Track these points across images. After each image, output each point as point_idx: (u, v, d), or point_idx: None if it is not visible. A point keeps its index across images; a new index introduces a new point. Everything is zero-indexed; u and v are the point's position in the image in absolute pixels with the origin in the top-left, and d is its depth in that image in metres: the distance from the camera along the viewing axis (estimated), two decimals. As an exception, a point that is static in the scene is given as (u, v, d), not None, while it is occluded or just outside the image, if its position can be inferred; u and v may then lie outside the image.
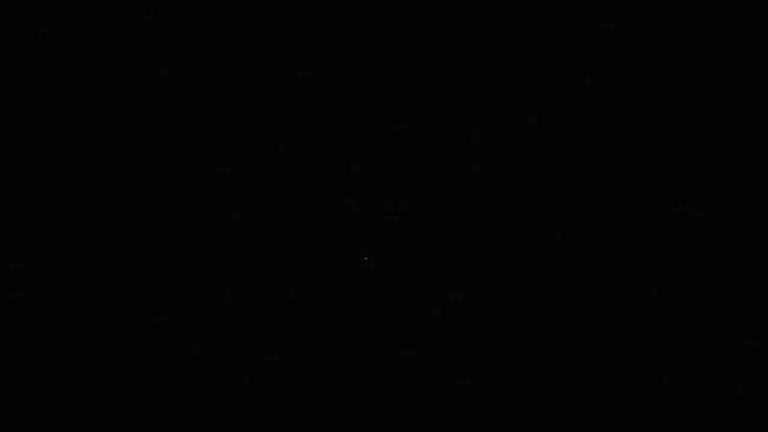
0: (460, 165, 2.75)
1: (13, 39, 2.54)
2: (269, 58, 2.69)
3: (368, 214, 2.76)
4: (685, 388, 2.41)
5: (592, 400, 2.41)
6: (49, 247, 2.55)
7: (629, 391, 2.43)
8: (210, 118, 2.68)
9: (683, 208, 2.60)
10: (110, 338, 2.52)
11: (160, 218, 2.63)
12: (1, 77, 2.55)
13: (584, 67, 2.66)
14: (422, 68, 2.71)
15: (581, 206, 2.67)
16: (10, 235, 2.52)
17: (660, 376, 2.45)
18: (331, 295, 2.68)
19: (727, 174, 2.58)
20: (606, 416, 2.35)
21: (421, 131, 2.76)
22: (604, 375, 2.48)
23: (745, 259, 2.54)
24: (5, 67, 2.55)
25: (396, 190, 2.77)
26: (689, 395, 2.39)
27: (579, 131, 2.68)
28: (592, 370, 2.50)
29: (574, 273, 2.65)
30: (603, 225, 2.65)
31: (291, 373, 2.50)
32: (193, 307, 2.59)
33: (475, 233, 2.73)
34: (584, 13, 2.62)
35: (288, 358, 2.54)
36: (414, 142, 2.76)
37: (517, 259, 2.69)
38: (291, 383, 2.46)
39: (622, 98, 2.65)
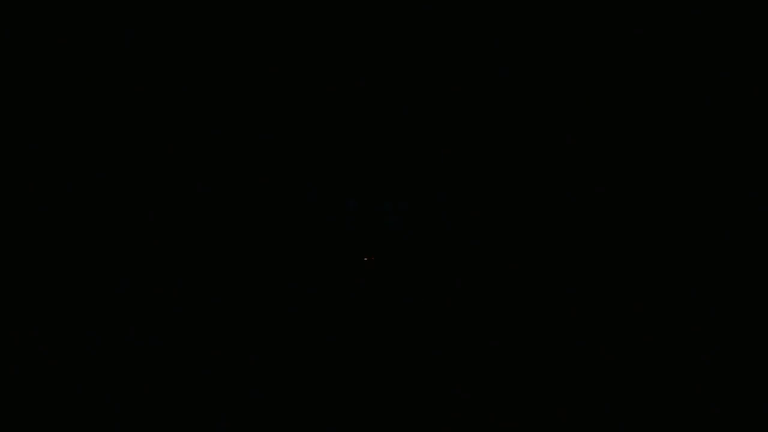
0: (460, 166, 2.77)
1: (12, 40, 2.56)
2: (270, 60, 2.70)
3: (368, 214, 2.77)
4: (685, 387, 2.42)
5: (590, 400, 2.41)
6: (48, 247, 2.56)
7: (628, 391, 2.44)
8: (211, 120, 2.69)
9: (682, 209, 2.62)
10: (111, 338, 2.52)
11: (162, 219, 2.64)
12: (1, 78, 2.56)
13: (581, 68, 2.68)
14: (423, 70, 2.73)
15: (581, 206, 2.69)
16: (9, 236, 2.53)
17: (660, 375, 2.47)
18: (331, 294, 2.68)
19: (727, 174, 2.60)
20: (605, 416, 2.36)
21: (421, 132, 2.77)
22: (602, 376, 2.49)
23: (743, 259, 2.56)
24: (6, 68, 2.56)
25: (396, 190, 2.78)
26: (688, 394, 2.40)
27: (578, 132, 2.70)
28: (590, 371, 2.51)
29: (573, 272, 2.66)
30: (604, 226, 2.67)
31: (291, 373, 2.50)
32: (193, 308, 2.60)
33: (475, 233, 2.74)
34: (583, 18, 2.64)
35: (288, 357, 2.55)
36: (414, 143, 2.78)
37: (516, 259, 2.71)
38: (291, 383, 2.46)
39: (620, 99, 2.67)
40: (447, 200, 2.77)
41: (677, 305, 2.58)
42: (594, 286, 2.64)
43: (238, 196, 2.69)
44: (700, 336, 2.53)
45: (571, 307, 2.63)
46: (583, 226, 2.68)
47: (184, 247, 2.64)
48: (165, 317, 2.57)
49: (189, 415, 2.34)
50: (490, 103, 2.74)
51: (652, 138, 2.65)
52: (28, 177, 2.57)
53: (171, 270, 2.62)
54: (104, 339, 2.52)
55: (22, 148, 2.57)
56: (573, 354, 2.55)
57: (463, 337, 2.62)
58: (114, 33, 2.60)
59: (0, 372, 2.40)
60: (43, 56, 2.58)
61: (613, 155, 2.67)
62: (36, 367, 2.44)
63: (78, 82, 2.61)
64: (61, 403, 2.36)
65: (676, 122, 2.64)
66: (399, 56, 2.72)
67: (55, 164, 2.59)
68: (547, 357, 2.55)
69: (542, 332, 2.61)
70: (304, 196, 2.73)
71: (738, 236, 2.57)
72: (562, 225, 2.69)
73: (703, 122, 2.62)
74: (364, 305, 2.69)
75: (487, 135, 2.75)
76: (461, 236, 2.75)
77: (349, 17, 2.66)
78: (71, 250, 2.57)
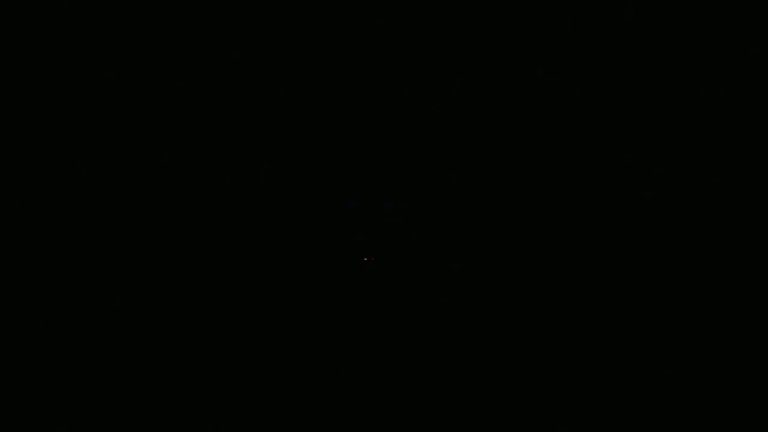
0: (460, 165, 2.77)
1: (12, 40, 2.55)
2: (270, 59, 2.70)
3: (368, 214, 2.77)
4: (682, 387, 2.43)
5: (590, 400, 2.42)
6: (47, 247, 2.55)
7: (626, 392, 2.44)
8: (211, 120, 2.69)
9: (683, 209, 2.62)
10: (109, 339, 2.52)
11: (161, 219, 2.63)
12: (2, 79, 2.56)
13: (580, 69, 2.68)
14: (422, 69, 2.73)
15: (580, 206, 2.69)
16: (9, 236, 2.53)
17: (658, 376, 2.47)
18: (330, 295, 2.68)
19: (726, 173, 2.60)
20: (604, 417, 2.36)
21: (420, 132, 2.77)
22: (602, 376, 2.50)
23: (742, 260, 2.56)
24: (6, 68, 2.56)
25: (396, 190, 2.78)
26: (684, 394, 2.41)
27: (575, 132, 2.70)
28: (589, 372, 2.51)
29: (573, 273, 2.66)
30: (603, 225, 2.67)
31: (290, 373, 2.50)
32: (193, 308, 2.60)
33: (474, 233, 2.74)
34: (580, 17, 2.64)
35: (288, 357, 2.55)
36: (414, 142, 2.78)
37: (515, 259, 2.71)
38: (290, 383, 2.47)
39: (619, 98, 2.67)
40: (448, 201, 2.76)
41: (676, 305, 2.58)
42: (595, 286, 2.64)
43: (237, 196, 2.69)
44: (700, 336, 2.53)
45: (571, 307, 2.63)
46: (584, 226, 2.68)
47: (182, 246, 2.64)
48: (164, 317, 2.57)
49: (188, 415, 2.34)
50: (490, 103, 2.73)
51: (650, 141, 2.65)
52: (26, 177, 2.56)
53: (169, 270, 2.62)
54: (102, 340, 2.52)
55: (20, 148, 2.56)
56: (573, 354, 2.55)
57: (463, 338, 2.62)
58: (111, 32, 2.60)
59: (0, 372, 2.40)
60: (41, 56, 2.57)
61: (614, 156, 2.67)
62: (35, 367, 2.44)
63: (74, 81, 2.61)
64: (59, 402, 2.36)
65: (673, 122, 2.64)
66: (399, 56, 2.71)
67: (51, 165, 2.58)
68: (547, 357, 2.55)
69: (543, 332, 2.61)
70: (304, 195, 2.73)
71: (738, 236, 2.57)
72: (563, 225, 2.69)
73: (702, 122, 2.62)
74: (364, 305, 2.69)
75: (487, 135, 2.75)
76: (461, 236, 2.75)
77: (349, 17, 2.66)
78: (71, 250, 2.57)
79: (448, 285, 2.71)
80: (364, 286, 2.71)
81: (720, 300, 2.55)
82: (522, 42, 2.68)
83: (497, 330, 2.63)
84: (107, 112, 2.63)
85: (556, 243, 2.69)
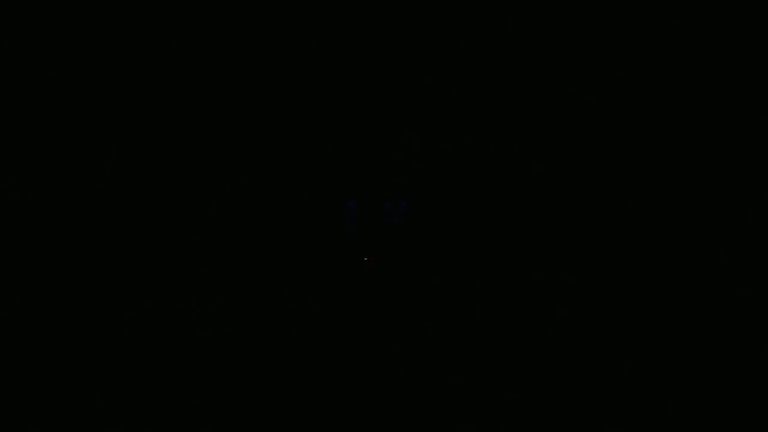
0: (459, 165, 2.77)
1: (13, 40, 2.56)
2: (271, 60, 2.71)
3: (368, 214, 2.77)
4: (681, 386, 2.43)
5: (592, 400, 2.41)
6: (47, 246, 2.55)
7: (629, 391, 2.44)
8: (211, 120, 2.70)
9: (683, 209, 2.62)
10: (109, 339, 2.52)
11: (162, 219, 2.64)
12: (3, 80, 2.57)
13: (580, 68, 2.69)
14: (421, 69, 2.74)
15: (580, 206, 2.69)
16: (10, 235, 2.53)
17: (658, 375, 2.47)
18: (331, 294, 2.68)
19: (725, 174, 2.60)
20: (604, 416, 2.36)
21: (420, 132, 2.78)
22: (604, 374, 2.49)
23: (742, 259, 2.56)
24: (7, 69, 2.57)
25: (396, 191, 2.78)
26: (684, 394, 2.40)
27: (574, 131, 2.71)
28: (591, 370, 2.51)
29: (572, 273, 2.66)
30: (602, 225, 2.67)
31: (290, 373, 2.50)
32: (193, 307, 2.59)
33: (474, 233, 2.75)
34: (580, 18, 2.65)
35: (288, 357, 2.54)
36: (413, 142, 2.78)
37: (515, 259, 2.71)
38: (290, 383, 2.46)
39: (618, 98, 2.68)
40: (448, 201, 2.77)
41: (676, 306, 2.58)
42: (595, 286, 2.64)
43: (237, 197, 2.69)
44: (701, 335, 2.53)
45: (572, 306, 2.63)
46: (583, 226, 2.68)
47: (183, 246, 2.64)
48: (164, 317, 2.57)
49: (188, 414, 2.33)
50: (490, 104, 2.74)
51: (649, 140, 2.66)
52: (23, 176, 2.57)
53: (170, 270, 2.62)
54: (99, 340, 2.52)
55: (14, 147, 2.57)
56: (574, 354, 2.55)
57: (463, 337, 2.62)
58: (105, 33, 2.61)
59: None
60: (39, 56, 2.58)
61: (614, 156, 2.68)
62: (33, 366, 2.43)
63: (67, 81, 2.62)
64: (57, 402, 2.35)
65: (670, 123, 2.65)
66: (399, 56, 2.73)
67: (46, 166, 2.59)
68: (547, 357, 2.55)
69: (542, 332, 2.61)
70: (304, 196, 2.73)
71: (737, 236, 2.57)
72: (562, 225, 2.70)
73: (701, 121, 2.63)
74: (365, 305, 2.69)
75: (487, 135, 2.76)
76: (460, 236, 2.75)
77: (348, 17, 2.67)
78: (68, 250, 2.57)
79: (447, 284, 2.71)
80: (364, 286, 2.71)
81: (719, 298, 2.55)
82: (521, 42, 2.69)
83: (497, 330, 2.63)
84: (107, 112, 2.64)
85: (556, 243, 2.69)
